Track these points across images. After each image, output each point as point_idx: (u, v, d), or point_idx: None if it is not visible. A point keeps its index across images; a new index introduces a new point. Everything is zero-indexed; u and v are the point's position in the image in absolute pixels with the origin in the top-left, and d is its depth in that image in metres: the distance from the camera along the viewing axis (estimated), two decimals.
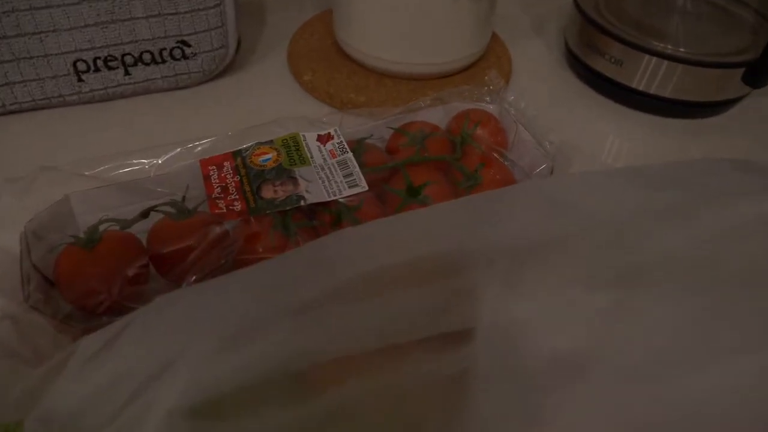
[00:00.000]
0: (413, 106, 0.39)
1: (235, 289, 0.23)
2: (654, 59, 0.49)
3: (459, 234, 0.26)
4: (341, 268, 0.24)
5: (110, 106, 0.44)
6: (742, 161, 0.35)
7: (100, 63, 0.42)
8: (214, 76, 0.47)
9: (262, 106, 0.45)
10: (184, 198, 0.33)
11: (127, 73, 0.43)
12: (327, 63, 0.49)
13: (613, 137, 0.48)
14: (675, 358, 0.23)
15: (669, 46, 0.48)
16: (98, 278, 0.28)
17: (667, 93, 0.50)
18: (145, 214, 0.32)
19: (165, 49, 0.43)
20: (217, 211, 0.31)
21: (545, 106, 0.48)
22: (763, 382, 0.23)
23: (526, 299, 0.25)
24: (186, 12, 0.42)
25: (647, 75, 0.50)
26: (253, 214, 0.31)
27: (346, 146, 0.34)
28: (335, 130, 0.35)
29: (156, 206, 0.32)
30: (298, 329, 0.22)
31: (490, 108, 0.41)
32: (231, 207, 0.31)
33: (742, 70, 0.47)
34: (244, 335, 0.21)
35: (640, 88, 0.50)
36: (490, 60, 0.51)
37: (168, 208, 0.32)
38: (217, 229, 0.30)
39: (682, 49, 0.48)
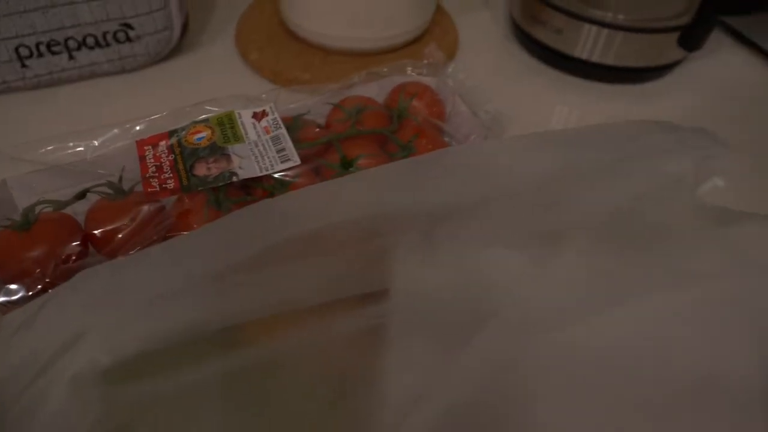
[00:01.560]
0: (350, 82, 0.40)
1: (154, 259, 0.24)
2: (594, 27, 0.49)
3: (379, 199, 0.27)
4: (263, 235, 0.25)
5: (56, 92, 0.45)
6: (665, 123, 0.36)
7: (43, 48, 0.43)
8: (161, 58, 0.48)
9: (209, 87, 0.46)
10: (120, 178, 0.33)
11: (71, 57, 0.44)
12: (274, 42, 0.49)
13: (557, 105, 0.49)
14: (583, 307, 0.25)
15: (609, 14, 0.49)
16: (32, 259, 0.29)
17: (609, 60, 0.51)
18: (81, 196, 0.33)
19: (108, 32, 0.44)
20: (150, 189, 0.32)
21: (490, 78, 0.49)
22: (662, 324, 0.24)
23: (444, 260, 0.26)
24: None
25: (589, 43, 0.51)
26: (185, 192, 0.32)
27: (280, 122, 0.35)
28: (270, 107, 0.36)
29: (92, 187, 0.33)
30: (218, 293, 0.23)
31: (428, 81, 0.41)
32: (164, 185, 0.32)
33: (677, 34, 0.48)
34: (159, 301, 0.22)
35: (583, 56, 0.51)
36: (436, 34, 0.52)
37: (104, 189, 0.33)
38: (151, 207, 0.31)
39: (621, 17, 0.49)
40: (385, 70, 0.41)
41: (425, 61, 0.42)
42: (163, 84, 0.47)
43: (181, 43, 0.49)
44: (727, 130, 0.48)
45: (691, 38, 0.48)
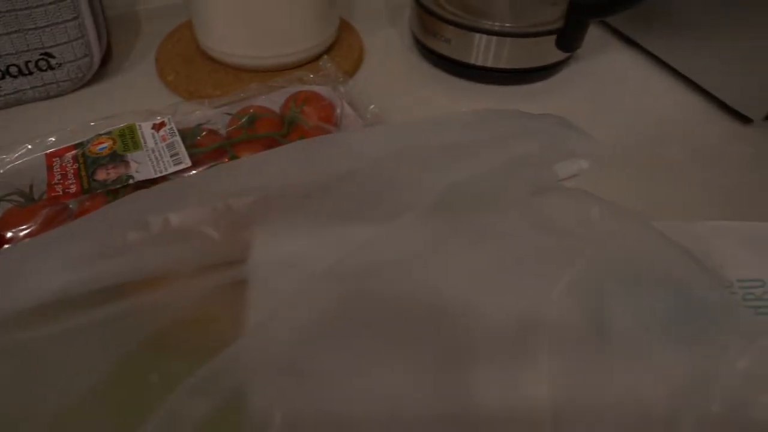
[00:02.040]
0: (246, 94, 0.44)
1: (39, 241, 0.28)
2: (484, 36, 0.54)
3: (245, 185, 0.31)
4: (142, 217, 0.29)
5: None
6: (516, 111, 0.41)
7: None
8: (84, 83, 0.52)
9: (130, 107, 0.50)
10: (31, 188, 0.37)
11: None
12: (189, 64, 0.54)
13: (450, 107, 0.54)
14: (413, 258, 0.29)
15: (496, 24, 0.54)
16: None
17: (501, 64, 0.56)
18: None
19: (30, 61, 0.48)
20: (53, 194, 0.36)
21: (393, 87, 0.54)
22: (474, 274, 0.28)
23: (296, 231, 0.30)
24: (45, 26, 0.47)
25: (481, 51, 0.56)
26: (85, 194, 0.36)
27: (175, 131, 0.39)
28: (168, 118, 0.40)
29: (3, 197, 0.37)
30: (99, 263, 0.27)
31: (321, 89, 0.46)
32: (67, 190, 0.36)
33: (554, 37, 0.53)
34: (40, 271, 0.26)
35: (478, 63, 0.56)
36: (342, 49, 0.56)
37: (15, 197, 0.37)
38: (55, 208, 0.35)
39: (508, 25, 0.54)
40: (282, 81, 0.45)
41: (320, 73, 0.47)
42: (87, 107, 0.51)
43: (105, 68, 0.54)
44: (605, 120, 0.53)
45: (565, 40, 0.54)
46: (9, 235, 0.35)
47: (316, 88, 0.46)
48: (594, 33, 0.65)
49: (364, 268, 0.28)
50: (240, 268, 0.28)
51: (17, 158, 0.39)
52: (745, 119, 0.54)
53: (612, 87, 0.57)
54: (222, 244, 0.29)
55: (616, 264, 0.27)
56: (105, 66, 0.54)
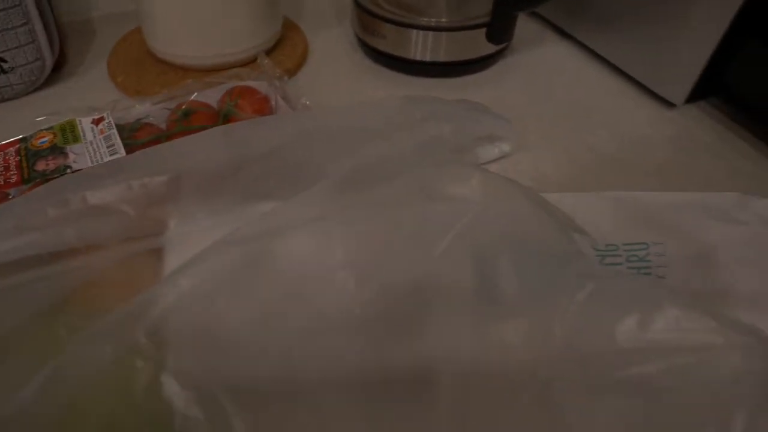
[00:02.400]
0: (185, 90, 0.47)
1: None
2: (420, 32, 0.57)
3: (155, 166, 0.34)
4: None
5: None
6: (428, 97, 0.44)
7: None
8: (38, 86, 0.55)
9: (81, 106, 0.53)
10: None
11: None
12: (139, 66, 0.57)
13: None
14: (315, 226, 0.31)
15: (432, 19, 0.57)
16: None
17: (440, 58, 0.59)
18: None
19: None
20: None
21: (335, 82, 0.57)
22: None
23: (209, 209, 0.33)
24: None
25: (419, 46, 0.59)
26: (25, 183, 0.38)
27: (113, 124, 0.42)
28: (107, 114, 0.43)
29: None
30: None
31: (258, 84, 0.49)
32: (8, 180, 0.39)
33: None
34: None
35: (417, 58, 0.59)
36: (285, 48, 0.59)
37: None
38: None
39: (443, 20, 0.57)
40: (219, 78, 0.48)
41: (257, 70, 0.50)
42: (40, 108, 0.53)
43: (59, 72, 0.57)
44: (536, 108, 0.56)
45: (494, 33, 0.57)
46: None
47: (252, 84, 0.48)
48: (532, 27, 0.68)
49: (267, 232, 0.30)
50: (155, 239, 0.31)
51: None
52: (668, 104, 0.57)
53: (545, 77, 0.60)
54: (138, 219, 0.31)
55: (493, 226, 0.30)
56: (60, 69, 0.57)
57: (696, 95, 0.56)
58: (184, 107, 0.45)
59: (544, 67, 0.62)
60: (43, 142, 0.41)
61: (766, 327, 0.34)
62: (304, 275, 0.29)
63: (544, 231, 0.28)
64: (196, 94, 0.48)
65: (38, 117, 0.50)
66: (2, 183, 0.38)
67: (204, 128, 0.43)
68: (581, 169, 0.50)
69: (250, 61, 0.57)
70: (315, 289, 0.29)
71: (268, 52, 0.58)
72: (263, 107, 0.47)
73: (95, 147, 0.41)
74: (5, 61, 0.51)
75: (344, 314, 0.30)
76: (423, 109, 0.41)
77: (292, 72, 0.58)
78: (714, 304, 0.35)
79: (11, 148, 0.41)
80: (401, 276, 0.30)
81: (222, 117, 0.45)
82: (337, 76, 0.59)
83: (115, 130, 0.41)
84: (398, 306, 0.30)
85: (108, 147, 0.40)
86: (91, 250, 0.30)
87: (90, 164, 0.40)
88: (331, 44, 0.63)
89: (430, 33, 0.57)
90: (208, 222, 0.32)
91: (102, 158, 0.40)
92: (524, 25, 0.68)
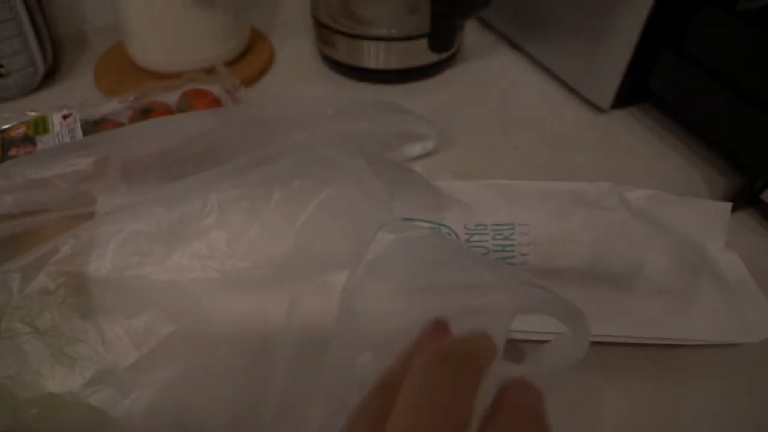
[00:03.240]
0: (146, 91, 0.54)
1: None
2: (371, 42, 0.63)
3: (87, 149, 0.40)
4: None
5: None
6: (363, 99, 0.49)
7: None
8: (32, 89, 0.62)
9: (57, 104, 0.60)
10: None
11: None
12: (122, 72, 0.64)
13: None
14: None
15: (382, 30, 0.63)
16: None
17: (390, 65, 0.65)
18: None
19: None
20: None
21: (294, 88, 0.63)
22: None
23: (132, 187, 0.39)
24: None
25: (371, 55, 0.65)
26: None
27: (77, 119, 0.49)
28: (75, 111, 0.50)
29: None
30: None
31: (212, 88, 0.56)
32: None
33: None
34: None
35: (370, 66, 0.65)
36: (251, 56, 0.66)
37: None
38: None
39: (393, 30, 0.63)
40: (177, 81, 0.55)
41: (213, 75, 0.57)
42: (33, 107, 0.61)
43: (53, 77, 0.65)
44: (471, 110, 0.61)
45: (434, 43, 0.62)
46: None
47: (207, 87, 0.55)
48: (487, 38, 0.73)
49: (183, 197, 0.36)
50: (87, 208, 0.38)
51: None
52: (599, 109, 0.61)
53: (488, 83, 0.66)
54: (70, 192, 0.38)
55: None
56: (53, 75, 0.65)
57: (626, 101, 0.61)
58: (144, 106, 0.52)
59: (489, 75, 0.67)
60: (18, 133, 0.48)
61: (622, 302, 0.39)
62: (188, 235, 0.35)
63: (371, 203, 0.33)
64: (159, 95, 0.55)
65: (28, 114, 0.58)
66: None
67: None
68: (503, 166, 0.55)
69: (214, 68, 0.63)
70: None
71: (235, 60, 0.65)
72: (215, 108, 0.54)
73: (61, 138, 0.48)
74: (2, 66, 0.59)
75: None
76: (339, 106, 0.47)
77: (254, 78, 0.64)
78: (570, 281, 0.39)
79: None
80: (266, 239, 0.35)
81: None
82: (296, 83, 0.65)
83: (78, 124, 0.49)
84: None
85: (71, 138, 0.47)
86: (32, 215, 0.37)
87: None
88: (296, 54, 0.69)
89: (381, 42, 0.63)
90: (131, 198, 0.38)
91: None
92: (479, 37, 0.73)
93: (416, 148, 0.53)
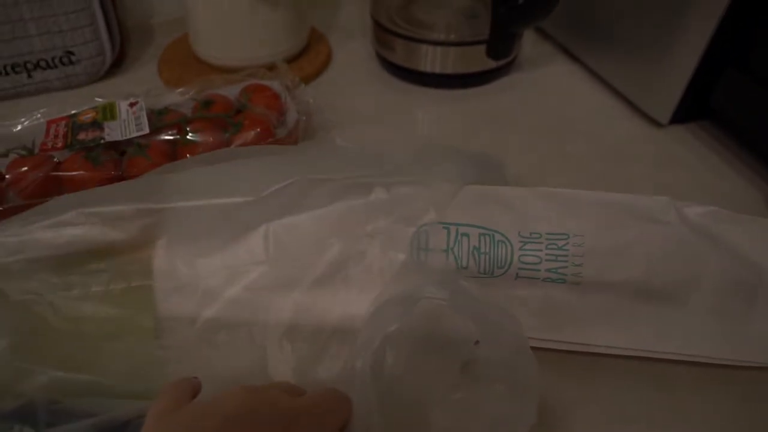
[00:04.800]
0: (209, 85, 0.55)
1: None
2: (430, 47, 0.64)
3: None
4: None
5: (19, 102, 0.62)
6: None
7: (9, 69, 0.61)
8: (99, 77, 0.65)
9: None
10: (33, 143, 0.50)
11: (29, 76, 0.62)
12: (184, 65, 0.66)
13: (394, 105, 0.64)
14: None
15: (441, 35, 0.63)
16: None
17: (446, 70, 0.65)
18: (4, 154, 0.49)
19: (56, 57, 0.61)
20: (44, 148, 0.48)
21: (347, 88, 0.64)
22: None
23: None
24: (68, 30, 0.60)
25: (428, 59, 0.65)
26: (67, 149, 0.48)
27: (143, 107, 0.51)
28: (141, 99, 0.52)
29: (12, 149, 0.49)
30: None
31: (273, 84, 0.57)
32: (54, 145, 0.48)
33: None
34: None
35: (427, 69, 0.66)
36: (310, 55, 0.68)
37: (20, 150, 0.49)
38: (43, 157, 0.47)
39: (451, 36, 0.63)
40: (239, 76, 0.56)
41: (274, 71, 0.58)
42: (99, 93, 0.63)
43: (119, 67, 0.67)
44: (526, 120, 0.61)
45: (492, 49, 0.62)
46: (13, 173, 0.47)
47: (267, 83, 0.56)
48: (545, 47, 0.73)
49: None
50: None
51: (27, 124, 0.51)
52: (657, 123, 0.60)
53: (544, 92, 0.65)
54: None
55: None
56: (119, 65, 0.68)
57: (685, 116, 0.60)
58: (205, 98, 0.53)
59: (546, 84, 0.67)
60: (87, 118, 0.50)
61: (675, 319, 0.38)
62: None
63: None
64: (220, 89, 0.56)
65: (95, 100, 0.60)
66: (50, 146, 0.48)
67: (219, 116, 0.51)
68: (556, 175, 0.54)
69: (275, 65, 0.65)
70: None
71: (294, 58, 0.66)
72: (274, 103, 0.55)
73: (126, 124, 0.50)
74: (73, 54, 0.62)
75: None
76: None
77: (312, 76, 0.65)
78: (623, 295, 0.39)
79: (63, 122, 0.50)
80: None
81: (236, 108, 0.53)
82: (351, 83, 0.66)
83: (144, 112, 0.50)
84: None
85: (137, 125, 0.49)
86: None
87: (120, 137, 0.48)
88: (353, 55, 0.70)
89: (438, 47, 0.64)
90: None
91: (130, 132, 0.49)
92: (537, 46, 0.73)
93: None
